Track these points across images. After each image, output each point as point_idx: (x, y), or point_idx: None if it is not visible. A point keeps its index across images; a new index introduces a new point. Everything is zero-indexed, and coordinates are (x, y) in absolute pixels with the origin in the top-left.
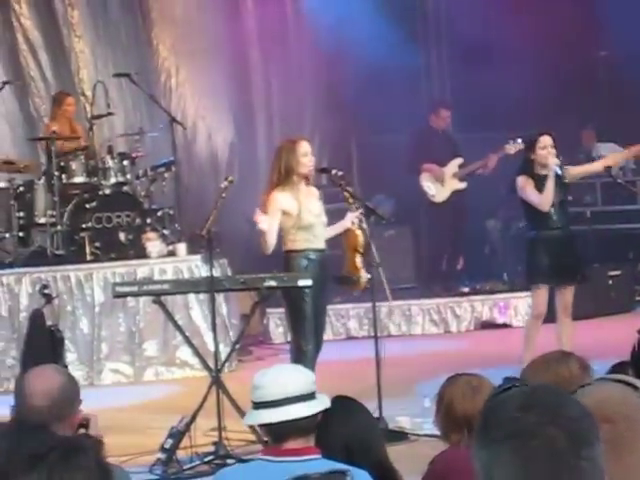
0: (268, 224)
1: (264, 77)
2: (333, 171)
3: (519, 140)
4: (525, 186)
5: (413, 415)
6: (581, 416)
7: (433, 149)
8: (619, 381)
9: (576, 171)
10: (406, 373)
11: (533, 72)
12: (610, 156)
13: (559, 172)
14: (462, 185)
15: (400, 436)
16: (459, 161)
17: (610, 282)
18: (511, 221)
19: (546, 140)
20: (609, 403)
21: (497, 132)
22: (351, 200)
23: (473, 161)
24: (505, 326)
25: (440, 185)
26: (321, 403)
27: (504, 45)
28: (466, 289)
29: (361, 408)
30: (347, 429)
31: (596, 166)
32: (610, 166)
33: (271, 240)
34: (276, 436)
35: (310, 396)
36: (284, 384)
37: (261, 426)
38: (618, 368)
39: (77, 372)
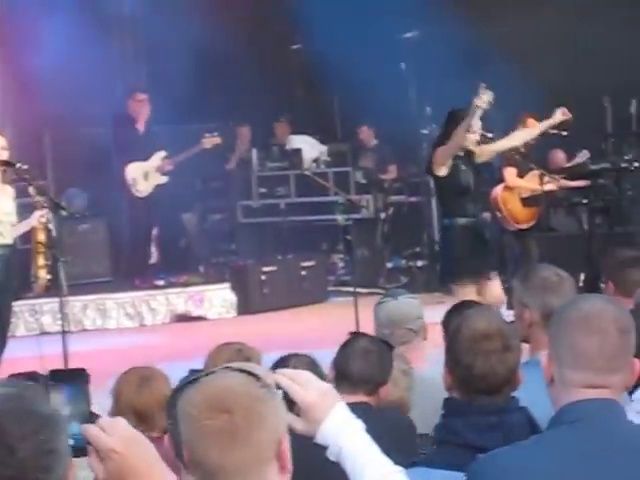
0: None
1: None
2: (17, 164)
3: (215, 133)
4: None
5: (102, 410)
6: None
7: (133, 140)
8: (243, 371)
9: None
10: (100, 367)
11: (229, 65)
12: (523, 131)
13: None
14: (164, 179)
15: None
16: (162, 154)
17: (303, 273)
18: (207, 214)
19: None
20: (228, 393)
21: (195, 124)
22: (37, 195)
23: (175, 154)
24: (200, 319)
25: (144, 179)
26: None
27: (200, 37)
28: (161, 282)
29: None
30: None
31: (504, 144)
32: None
33: None
34: None
35: None
36: None
37: None
38: (280, 363)
39: None
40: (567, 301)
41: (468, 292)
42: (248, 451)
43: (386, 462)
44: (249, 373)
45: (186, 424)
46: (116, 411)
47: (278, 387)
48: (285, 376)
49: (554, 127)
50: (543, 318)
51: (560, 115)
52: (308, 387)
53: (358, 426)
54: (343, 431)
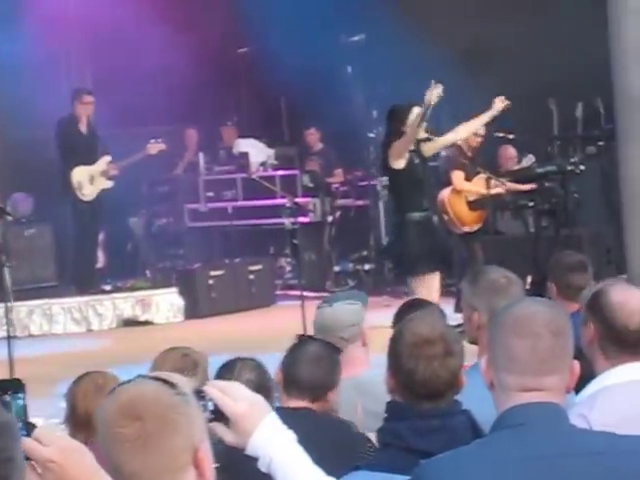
0: None
1: None
2: None
3: (160, 140)
4: None
5: (49, 416)
6: None
7: (79, 144)
8: (158, 379)
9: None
10: (47, 373)
11: (175, 69)
12: (466, 124)
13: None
14: (109, 184)
15: None
16: (107, 159)
17: (251, 277)
18: (154, 218)
19: None
20: (141, 401)
21: (141, 128)
22: None
23: (121, 158)
24: (147, 323)
25: (89, 183)
26: None
27: (147, 40)
28: (108, 287)
29: None
30: None
31: (448, 138)
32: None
33: None
34: None
35: None
36: None
37: None
38: (226, 367)
39: None
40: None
41: (425, 284)
42: (161, 458)
43: (318, 473)
44: (164, 381)
45: (101, 432)
46: (72, 420)
47: (208, 398)
48: (215, 387)
49: (501, 131)
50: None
51: (500, 104)
52: (238, 398)
53: (289, 437)
54: (273, 442)
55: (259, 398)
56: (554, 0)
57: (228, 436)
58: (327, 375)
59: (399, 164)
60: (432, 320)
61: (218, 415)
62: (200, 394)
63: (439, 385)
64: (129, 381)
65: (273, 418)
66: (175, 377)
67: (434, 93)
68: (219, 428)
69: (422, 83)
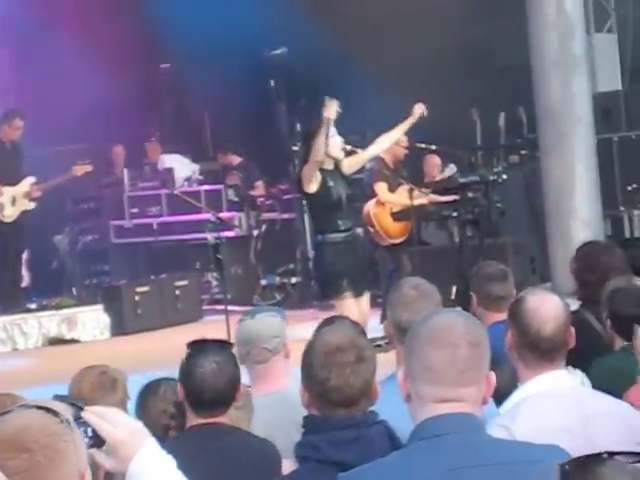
0: None
1: None
2: None
3: (87, 161)
4: None
5: None
6: None
7: (1, 164)
8: (40, 407)
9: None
10: None
11: (98, 85)
12: (387, 135)
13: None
14: (32, 205)
15: None
16: (31, 180)
17: (177, 292)
18: (79, 235)
19: None
20: (27, 431)
21: (66, 146)
22: None
23: (46, 177)
24: (74, 341)
25: (11, 204)
26: None
27: (69, 57)
28: (33, 305)
29: None
30: None
31: (371, 151)
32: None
33: None
34: None
35: None
36: None
37: None
38: (149, 388)
39: None
40: (421, 316)
41: (348, 306)
42: None
43: None
44: (47, 410)
45: None
46: None
47: (88, 425)
48: (94, 414)
49: (422, 143)
50: (396, 330)
51: (418, 110)
52: (117, 424)
53: (169, 463)
54: (152, 468)
55: (138, 424)
56: (476, 11)
57: (107, 462)
58: (230, 381)
59: (311, 188)
60: (343, 329)
61: (97, 441)
62: (79, 420)
63: (353, 392)
64: (9, 411)
65: (152, 444)
66: (56, 405)
67: (331, 109)
68: (98, 454)
69: (343, 95)
